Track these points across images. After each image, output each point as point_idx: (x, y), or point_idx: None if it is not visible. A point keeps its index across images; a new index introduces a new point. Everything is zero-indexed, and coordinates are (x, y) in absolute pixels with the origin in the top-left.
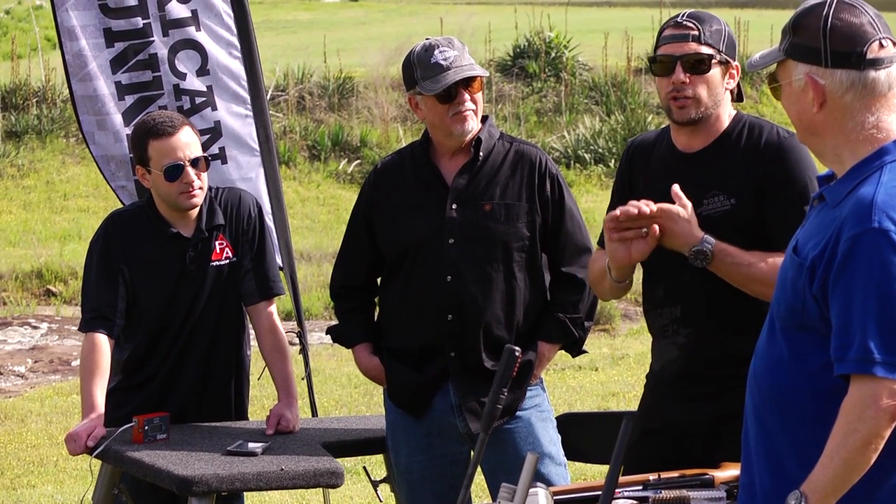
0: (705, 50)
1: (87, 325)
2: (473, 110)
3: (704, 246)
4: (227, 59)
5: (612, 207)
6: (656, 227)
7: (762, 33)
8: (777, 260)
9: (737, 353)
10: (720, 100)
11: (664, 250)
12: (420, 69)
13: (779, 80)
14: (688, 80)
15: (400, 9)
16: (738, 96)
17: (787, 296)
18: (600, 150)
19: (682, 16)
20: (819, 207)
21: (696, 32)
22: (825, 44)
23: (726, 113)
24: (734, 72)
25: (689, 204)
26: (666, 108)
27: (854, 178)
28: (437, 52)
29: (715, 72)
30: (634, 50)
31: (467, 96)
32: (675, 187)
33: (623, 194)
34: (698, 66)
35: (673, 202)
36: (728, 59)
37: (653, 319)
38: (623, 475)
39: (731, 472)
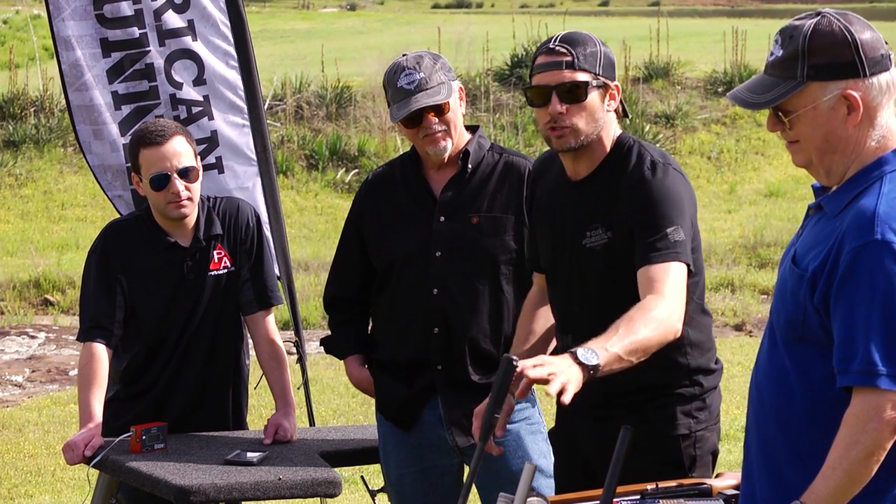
0: (581, 76)
1: (85, 334)
2: (444, 131)
3: (591, 370)
4: (223, 68)
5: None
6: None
7: (760, 42)
8: (640, 312)
9: (630, 381)
10: (601, 124)
11: (555, 282)
12: (390, 91)
13: (795, 110)
14: (564, 110)
15: (397, 18)
16: (623, 113)
17: (787, 307)
18: None
19: (555, 40)
20: (816, 217)
21: (569, 58)
22: (859, 55)
23: (610, 136)
24: (615, 92)
25: (544, 361)
26: (546, 137)
27: (854, 188)
28: (403, 75)
29: (593, 97)
30: (632, 59)
31: (434, 119)
32: (517, 365)
33: (526, 213)
34: (574, 94)
35: (563, 231)
36: (606, 81)
37: (558, 341)
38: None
39: (728, 481)
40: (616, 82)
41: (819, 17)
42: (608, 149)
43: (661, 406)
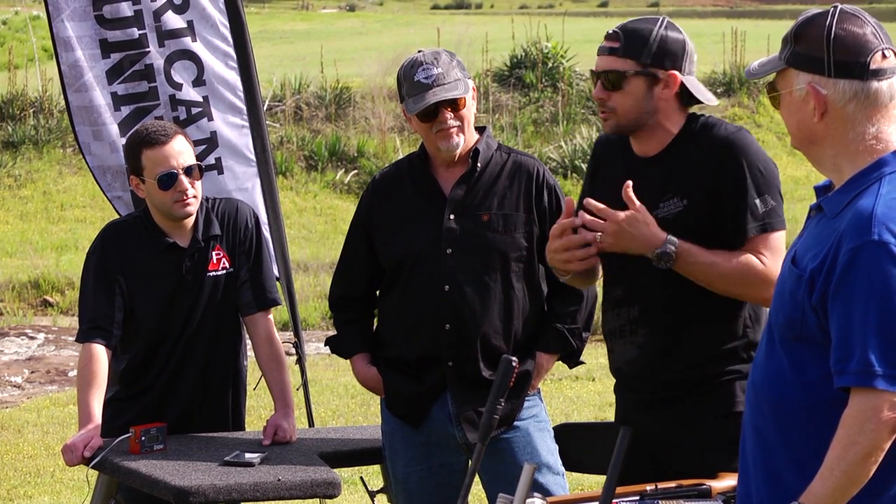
0: (620, 66)
1: (85, 335)
2: (458, 127)
3: (667, 248)
4: (223, 69)
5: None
6: (597, 237)
7: (759, 43)
8: (742, 259)
9: (695, 353)
10: (651, 111)
11: (618, 257)
12: (406, 86)
13: (778, 90)
14: (605, 96)
15: (397, 19)
16: (687, 100)
17: (785, 307)
18: None
19: (617, 26)
20: (817, 218)
21: (615, 46)
22: (828, 54)
23: (673, 120)
24: (670, 80)
25: (643, 207)
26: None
27: (853, 189)
28: (420, 69)
29: (635, 85)
30: None
31: (449, 115)
32: (628, 190)
33: (586, 192)
34: (613, 81)
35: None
36: (654, 70)
37: (609, 319)
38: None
39: (728, 482)
40: (672, 71)
41: (827, 9)
42: (675, 129)
43: (722, 383)
